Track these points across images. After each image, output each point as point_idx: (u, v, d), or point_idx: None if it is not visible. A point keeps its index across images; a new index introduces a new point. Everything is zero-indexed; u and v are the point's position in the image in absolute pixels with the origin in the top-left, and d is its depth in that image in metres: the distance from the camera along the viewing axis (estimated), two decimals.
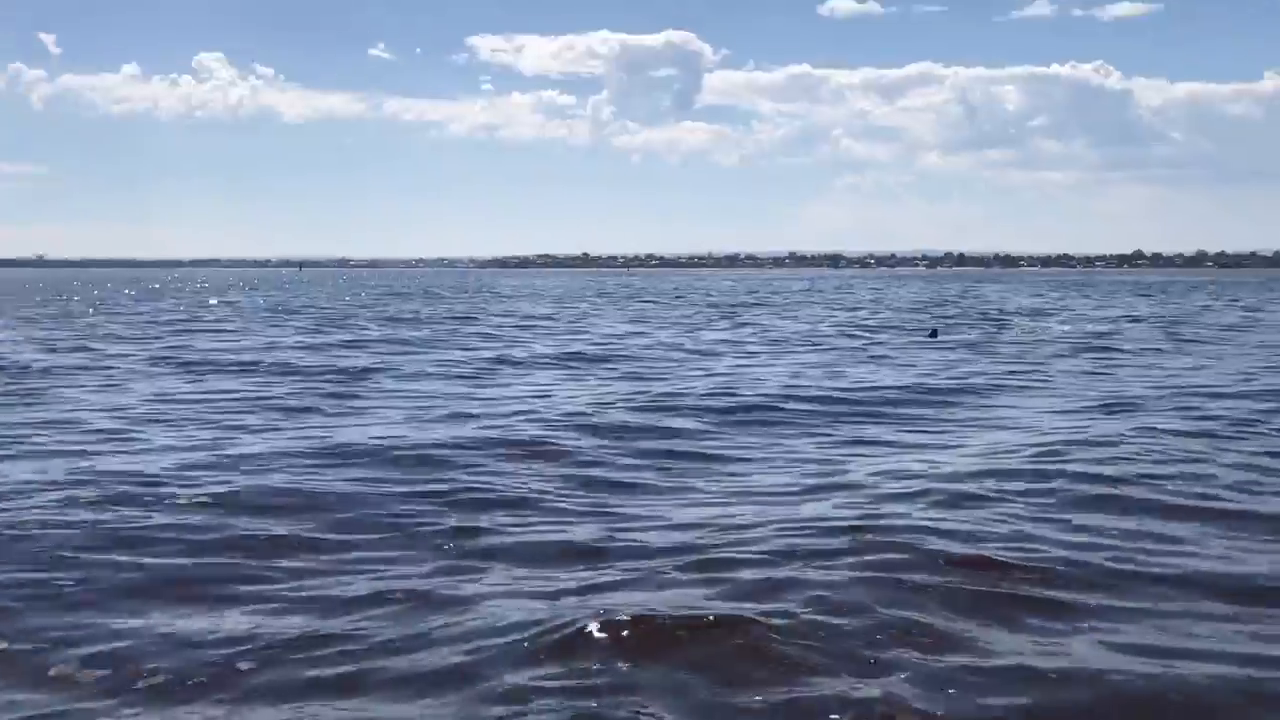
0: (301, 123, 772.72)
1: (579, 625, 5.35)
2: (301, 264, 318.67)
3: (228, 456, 9.95)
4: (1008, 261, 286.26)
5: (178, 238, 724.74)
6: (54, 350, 22.99)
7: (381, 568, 6.60)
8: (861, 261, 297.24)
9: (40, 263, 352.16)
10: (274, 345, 24.91)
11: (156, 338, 27.90)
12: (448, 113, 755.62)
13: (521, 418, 12.44)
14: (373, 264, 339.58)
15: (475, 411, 13.18)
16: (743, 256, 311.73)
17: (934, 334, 29.29)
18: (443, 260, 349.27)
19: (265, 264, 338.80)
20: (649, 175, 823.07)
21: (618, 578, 6.33)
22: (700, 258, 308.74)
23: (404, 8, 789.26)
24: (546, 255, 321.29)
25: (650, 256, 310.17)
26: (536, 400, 14.42)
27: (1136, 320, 37.08)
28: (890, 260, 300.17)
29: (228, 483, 8.68)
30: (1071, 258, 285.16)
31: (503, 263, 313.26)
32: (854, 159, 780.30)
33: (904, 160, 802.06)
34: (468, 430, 11.52)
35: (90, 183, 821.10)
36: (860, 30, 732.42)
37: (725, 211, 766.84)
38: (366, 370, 18.49)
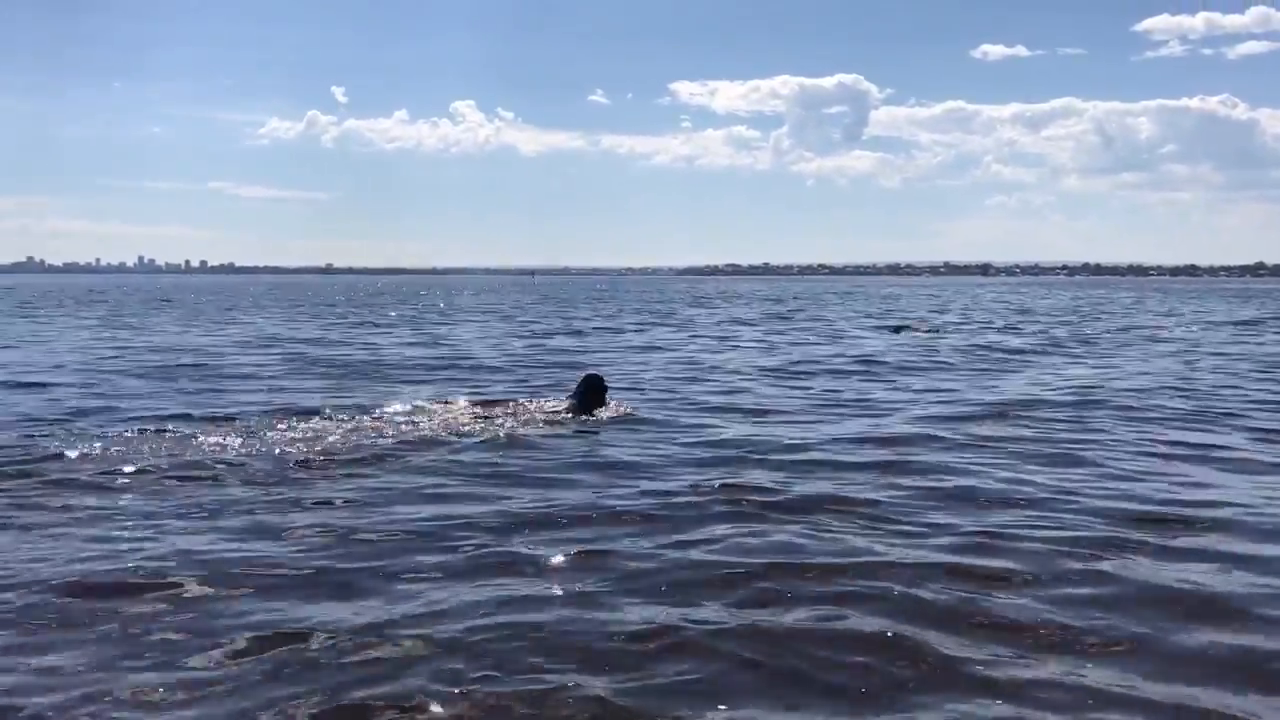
0: (535, 156, 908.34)
1: None
2: (533, 271, 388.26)
3: None
4: (1139, 271, 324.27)
5: (434, 250, 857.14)
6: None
7: None
8: (1008, 271, 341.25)
9: (328, 270, 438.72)
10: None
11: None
12: (653, 146, 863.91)
13: None
14: (591, 272, 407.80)
15: None
16: (902, 266, 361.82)
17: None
18: (646, 269, 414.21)
19: (504, 272, 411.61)
20: (821, 196, 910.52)
21: None
22: (864, 267, 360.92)
23: (618, 61, 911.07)
24: (733, 264, 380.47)
25: (821, 266, 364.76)
26: None
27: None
28: (1034, 270, 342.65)
29: None
30: (1198, 268, 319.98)
31: (696, 271, 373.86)
32: (1002, 182, 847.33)
33: (1047, 183, 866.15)
34: None
35: (367, 206, 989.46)
36: (1009, 70, 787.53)
37: (886, 227, 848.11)
38: None
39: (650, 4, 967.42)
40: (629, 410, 11.69)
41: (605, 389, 11.80)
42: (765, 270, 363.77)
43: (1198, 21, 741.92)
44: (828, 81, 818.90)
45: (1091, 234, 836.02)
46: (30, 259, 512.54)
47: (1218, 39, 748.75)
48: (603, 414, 11.36)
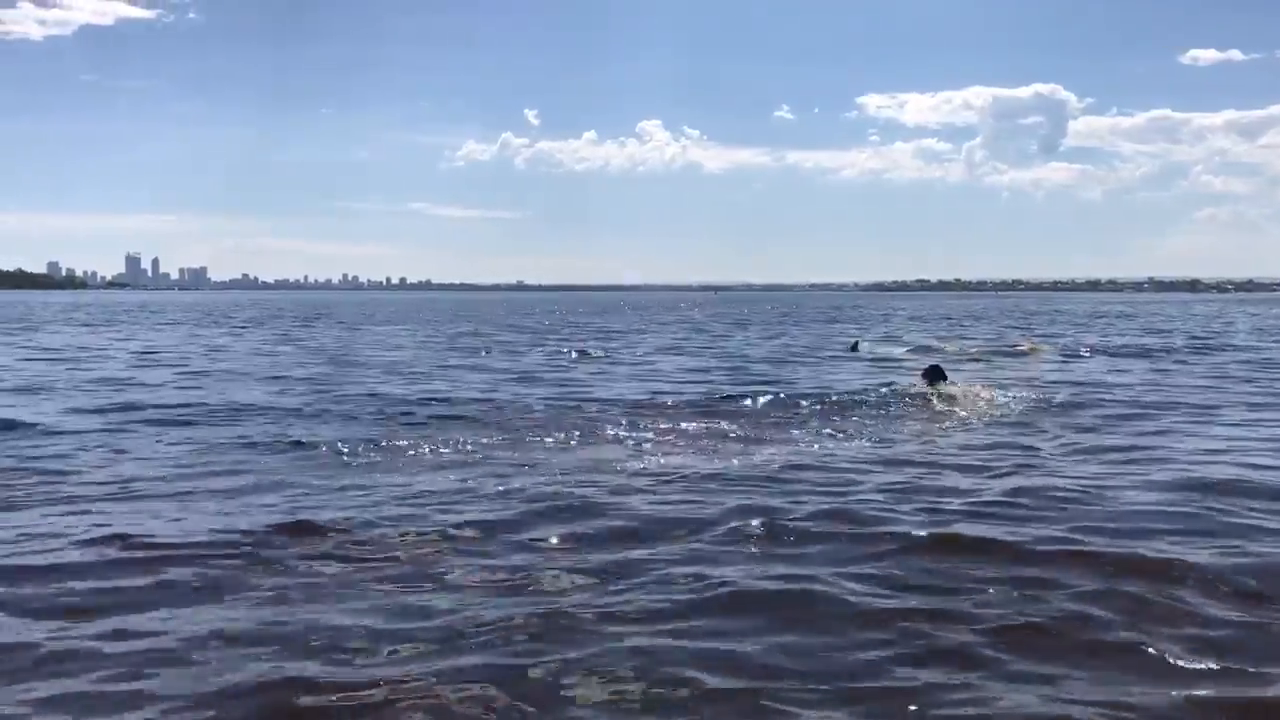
0: (720, 173, 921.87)
1: None
2: (716, 288, 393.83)
3: None
4: None
5: (621, 266, 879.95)
6: None
7: None
8: (1218, 287, 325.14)
9: (519, 287, 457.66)
10: None
11: None
12: (840, 161, 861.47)
13: None
14: (772, 288, 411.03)
15: None
16: (1104, 281, 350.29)
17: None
18: (830, 284, 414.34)
19: (687, 288, 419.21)
20: (1016, 210, 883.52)
21: None
22: (1063, 283, 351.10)
23: (804, 76, 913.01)
24: (921, 280, 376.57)
25: (1016, 281, 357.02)
26: None
27: None
28: (1247, 285, 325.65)
29: None
30: None
31: (883, 287, 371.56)
32: (1212, 193, 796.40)
33: (1264, 193, 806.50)
34: None
35: (557, 224, 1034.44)
36: (1221, 75, 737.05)
37: (1086, 241, 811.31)
38: None
39: (838, 18, 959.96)
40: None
41: (944, 375, 17.17)
42: (956, 286, 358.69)
43: None
44: (1023, 91, 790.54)
45: None
46: (245, 276, 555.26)
47: None
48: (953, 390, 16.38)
